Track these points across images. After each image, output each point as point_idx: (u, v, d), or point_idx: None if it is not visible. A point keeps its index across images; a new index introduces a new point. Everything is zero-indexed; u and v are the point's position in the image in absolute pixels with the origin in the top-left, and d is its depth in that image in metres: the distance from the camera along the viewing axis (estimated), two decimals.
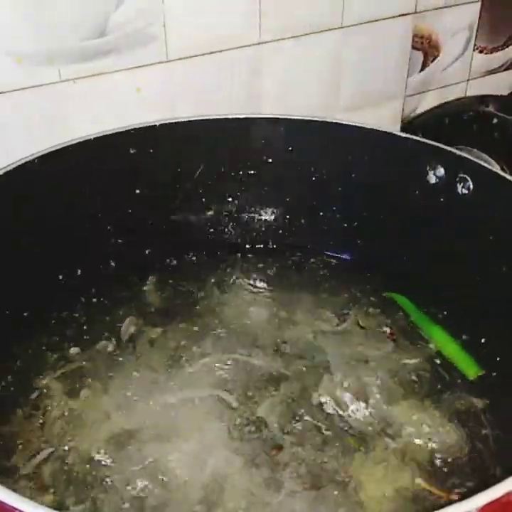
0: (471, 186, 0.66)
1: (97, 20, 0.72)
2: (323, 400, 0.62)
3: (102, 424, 0.60)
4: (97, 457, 0.57)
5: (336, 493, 0.54)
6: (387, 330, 0.70)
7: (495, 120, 0.89)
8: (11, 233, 0.64)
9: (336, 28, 0.88)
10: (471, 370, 0.65)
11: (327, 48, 0.89)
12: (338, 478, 0.55)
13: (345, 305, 0.74)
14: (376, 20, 0.91)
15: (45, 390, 0.63)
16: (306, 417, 0.60)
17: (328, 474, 0.55)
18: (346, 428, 0.59)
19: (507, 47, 1.09)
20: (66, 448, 0.58)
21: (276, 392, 0.63)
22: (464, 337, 0.68)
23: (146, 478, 0.55)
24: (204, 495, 0.54)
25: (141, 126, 0.71)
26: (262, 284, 0.77)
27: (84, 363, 0.66)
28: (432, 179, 0.69)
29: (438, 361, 0.67)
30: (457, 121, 0.95)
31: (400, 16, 0.93)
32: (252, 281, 0.77)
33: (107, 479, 0.55)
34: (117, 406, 0.61)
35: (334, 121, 0.74)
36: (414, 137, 0.71)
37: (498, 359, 0.64)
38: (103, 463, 0.56)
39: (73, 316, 0.71)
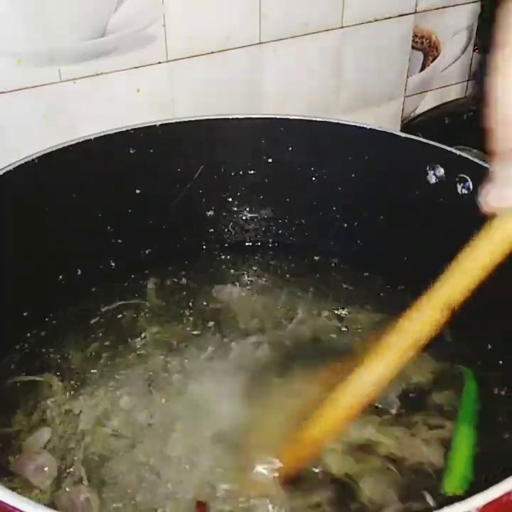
0: (471, 186, 0.66)
1: (97, 20, 0.72)
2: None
3: (101, 423, 0.60)
4: (97, 457, 0.57)
5: None
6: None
7: None
8: (10, 233, 0.64)
9: (335, 28, 0.88)
10: (452, 483, 0.55)
11: (327, 48, 0.89)
12: None
13: (345, 304, 0.73)
14: (376, 20, 0.91)
15: (45, 390, 0.63)
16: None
17: None
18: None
19: None
20: (66, 447, 0.58)
21: (278, 391, 0.63)
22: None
23: (146, 476, 0.55)
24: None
25: (141, 126, 0.71)
26: (261, 284, 0.77)
27: (84, 362, 0.66)
28: (432, 179, 0.69)
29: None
30: (457, 121, 0.95)
31: (399, 16, 0.93)
32: (252, 281, 0.77)
33: (107, 479, 0.55)
34: (117, 405, 0.62)
35: (334, 121, 0.74)
36: (414, 137, 0.71)
37: None
38: (103, 463, 0.56)
39: (73, 317, 0.71)
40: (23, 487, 0.54)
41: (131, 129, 0.71)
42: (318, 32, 0.87)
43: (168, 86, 0.80)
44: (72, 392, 0.63)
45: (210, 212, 0.79)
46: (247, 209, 0.80)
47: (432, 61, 1.01)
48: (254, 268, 0.79)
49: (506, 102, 0.38)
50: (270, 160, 0.77)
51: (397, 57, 0.97)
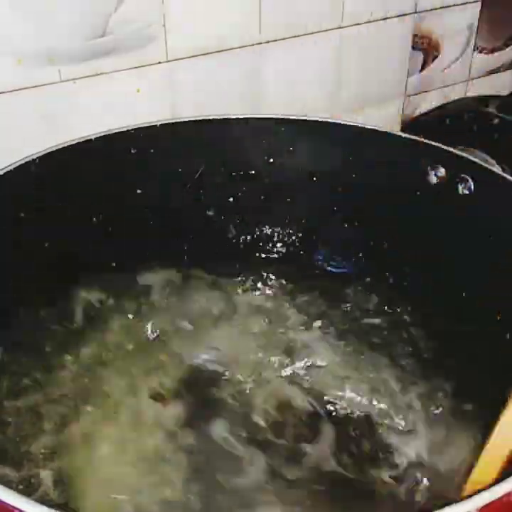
0: (472, 186, 0.66)
1: (97, 20, 0.72)
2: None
3: (96, 422, 0.60)
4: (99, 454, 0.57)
5: None
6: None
7: (495, 120, 0.90)
8: (10, 233, 0.64)
9: (335, 28, 0.88)
10: None
11: (327, 48, 0.89)
12: None
13: (345, 313, 0.73)
14: (376, 20, 0.91)
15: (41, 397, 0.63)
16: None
17: None
18: None
19: (507, 47, 1.09)
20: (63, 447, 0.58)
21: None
22: None
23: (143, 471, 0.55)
24: None
25: (141, 126, 0.71)
26: (261, 284, 0.77)
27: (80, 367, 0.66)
28: (433, 179, 0.69)
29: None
30: (457, 121, 0.95)
31: (399, 16, 0.93)
32: (252, 281, 0.77)
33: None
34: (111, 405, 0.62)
35: (334, 121, 0.74)
36: (415, 137, 0.71)
37: None
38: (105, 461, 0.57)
39: (70, 320, 0.71)
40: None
41: (131, 129, 0.70)
42: (318, 32, 0.87)
43: (168, 86, 0.80)
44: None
45: (210, 213, 0.79)
46: (247, 209, 0.80)
47: (432, 61, 1.01)
48: (254, 268, 0.79)
49: None
50: (270, 160, 0.77)
51: (397, 57, 0.97)
